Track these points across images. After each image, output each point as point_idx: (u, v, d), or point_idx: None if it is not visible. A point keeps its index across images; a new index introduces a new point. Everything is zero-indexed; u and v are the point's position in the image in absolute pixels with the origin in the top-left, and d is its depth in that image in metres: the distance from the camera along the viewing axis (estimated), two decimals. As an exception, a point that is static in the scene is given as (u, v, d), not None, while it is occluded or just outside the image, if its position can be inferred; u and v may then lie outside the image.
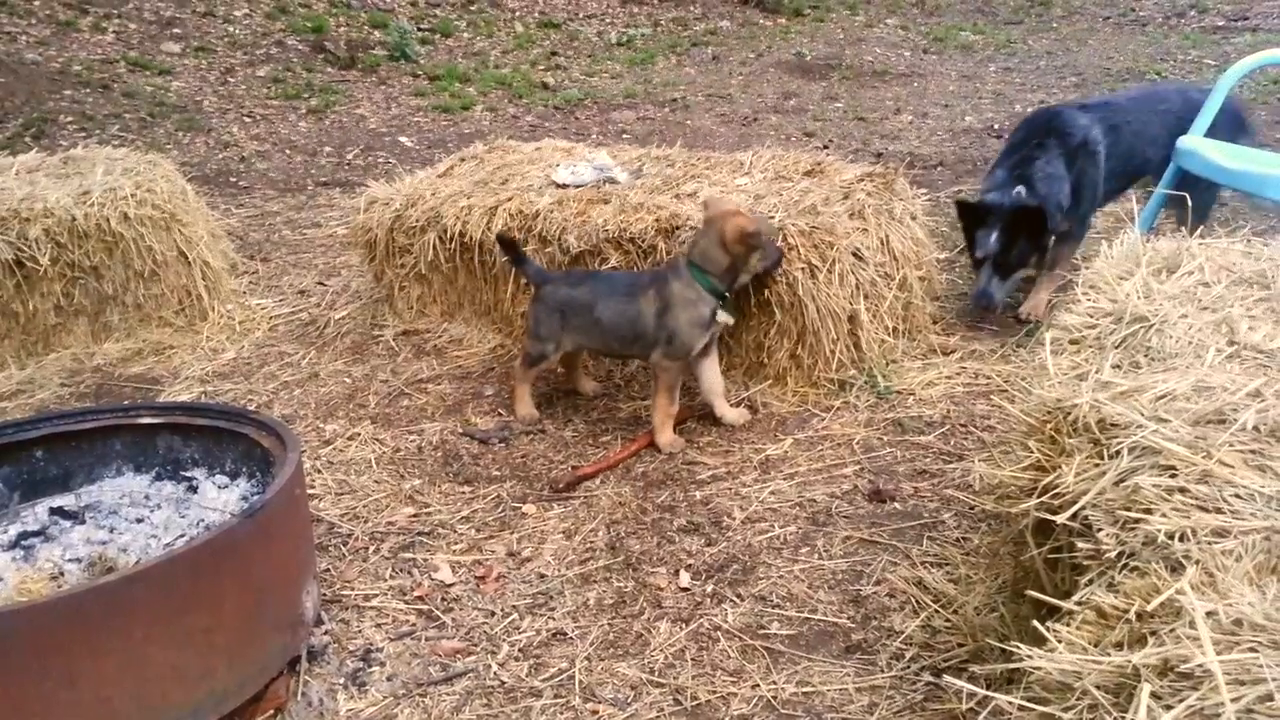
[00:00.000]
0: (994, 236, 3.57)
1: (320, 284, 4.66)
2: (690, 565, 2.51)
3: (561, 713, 2.05)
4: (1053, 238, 3.70)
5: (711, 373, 3.17)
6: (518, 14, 11.41)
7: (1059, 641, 1.30)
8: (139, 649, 1.76)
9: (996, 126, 7.20)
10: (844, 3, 12.88)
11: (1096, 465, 1.56)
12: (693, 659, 2.18)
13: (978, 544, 2.48)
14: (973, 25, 11.72)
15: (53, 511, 2.31)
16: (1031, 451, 1.74)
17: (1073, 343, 1.96)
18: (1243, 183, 3.52)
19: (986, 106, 7.93)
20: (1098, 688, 1.20)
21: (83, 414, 2.43)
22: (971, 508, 2.67)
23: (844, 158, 4.25)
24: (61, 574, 2.09)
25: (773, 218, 3.30)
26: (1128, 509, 1.43)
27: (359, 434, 3.25)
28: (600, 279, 3.23)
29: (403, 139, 7.77)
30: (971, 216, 3.67)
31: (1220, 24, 10.91)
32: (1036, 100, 7.99)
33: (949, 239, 4.71)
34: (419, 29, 10.41)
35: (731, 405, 3.24)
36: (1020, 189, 3.57)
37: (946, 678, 2.01)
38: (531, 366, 3.30)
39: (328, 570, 2.55)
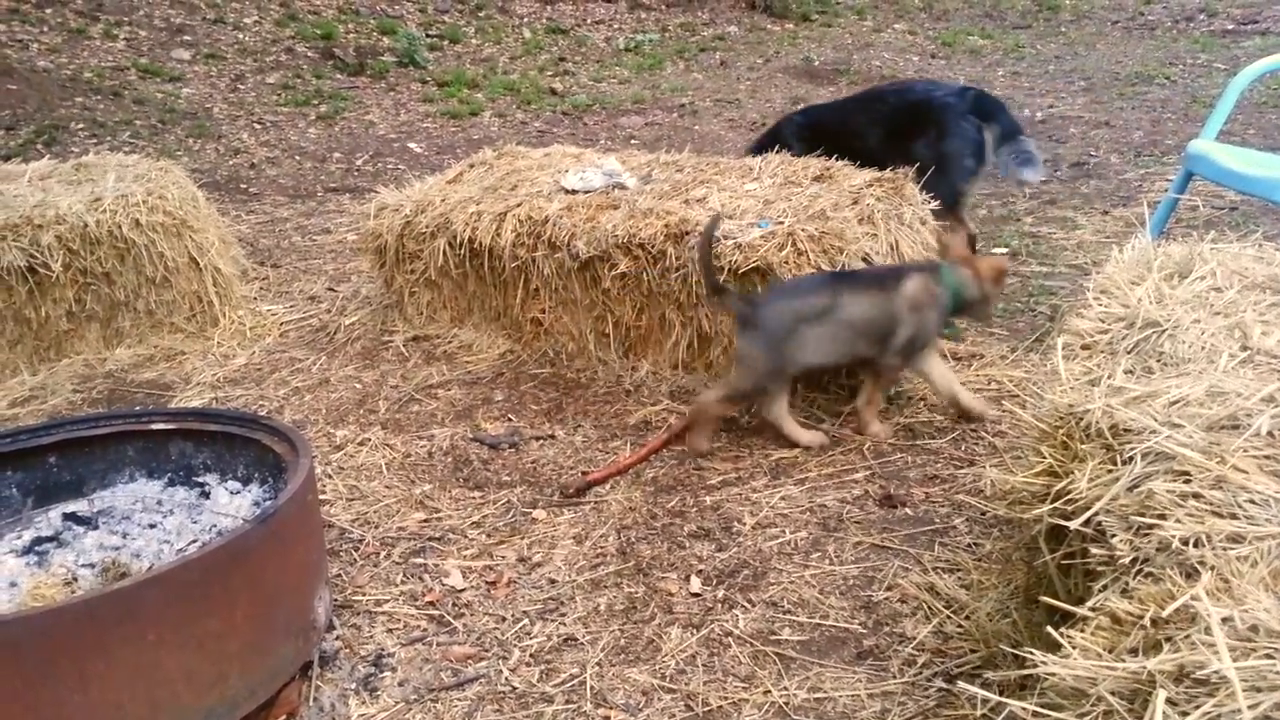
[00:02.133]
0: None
1: (330, 290, 4.68)
2: (701, 570, 2.51)
3: (573, 718, 2.05)
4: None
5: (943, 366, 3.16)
6: (526, 20, 11.44)
7: (1073, 647, 1.29)
8: (151, 654, 1.77)
9: (1005, 131, 7.18)
10: (852, 8, 12.89)
11: (1109, 471, 1.55)
12: (704, 665, 2.18)
13: (990, 549, 2.48)
14: (980, 30, 11.72)
15: (66, 517, 2.33)
16: (1044, 457, 1.74)
17: (1085, 348, 1.95)
18: (1255, 187, 3.51)
19: (995, 111, 7.91)
20: (1112, 694, 1.19)
21: (95, 420, 2.45)
22: (983, 513, 2.66)
23: (853, 162, 4.24)
24: (75, 579, 2.10)
25: (781, 222, 3.30)
26: (1141, 515, 1.43)
27: (369, 439, 3.26)
28: (840, 278, 3.02)
29: (412, 145, 7.79)
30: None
31: (1230, 28, 10.88)
32: (1045, 104, 7.98)
33: (958, 244, 4.70)
34: (427, 35, 10.45)
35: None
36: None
37: (960, 684, 2.01)
38: (743, 403, 3.10)
39: (339, 575, 2.56)
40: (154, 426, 2.44)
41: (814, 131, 4.50)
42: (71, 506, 2.36)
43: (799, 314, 2.91)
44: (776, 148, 4.35)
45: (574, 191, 3.85)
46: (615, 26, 11.75)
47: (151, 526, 2.30)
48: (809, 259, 3.16)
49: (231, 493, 2.37)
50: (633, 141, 7.66)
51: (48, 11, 8.93)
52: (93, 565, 2.15)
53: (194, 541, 2.24)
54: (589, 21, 11.73)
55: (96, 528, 2.30)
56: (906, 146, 4.15)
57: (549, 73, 10.10)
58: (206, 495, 2.39)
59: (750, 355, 2.95)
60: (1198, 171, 3.83)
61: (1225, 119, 4.00)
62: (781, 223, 3.30)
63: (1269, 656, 1.12)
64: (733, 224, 3.36)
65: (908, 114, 4.25)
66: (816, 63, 10.26)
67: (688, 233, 3.35)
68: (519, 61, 10.35)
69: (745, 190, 3.71)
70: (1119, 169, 6.00)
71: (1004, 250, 4.66)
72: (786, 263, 3.15)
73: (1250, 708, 1.06)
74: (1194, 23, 11.36)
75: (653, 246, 3.39)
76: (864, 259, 3.25)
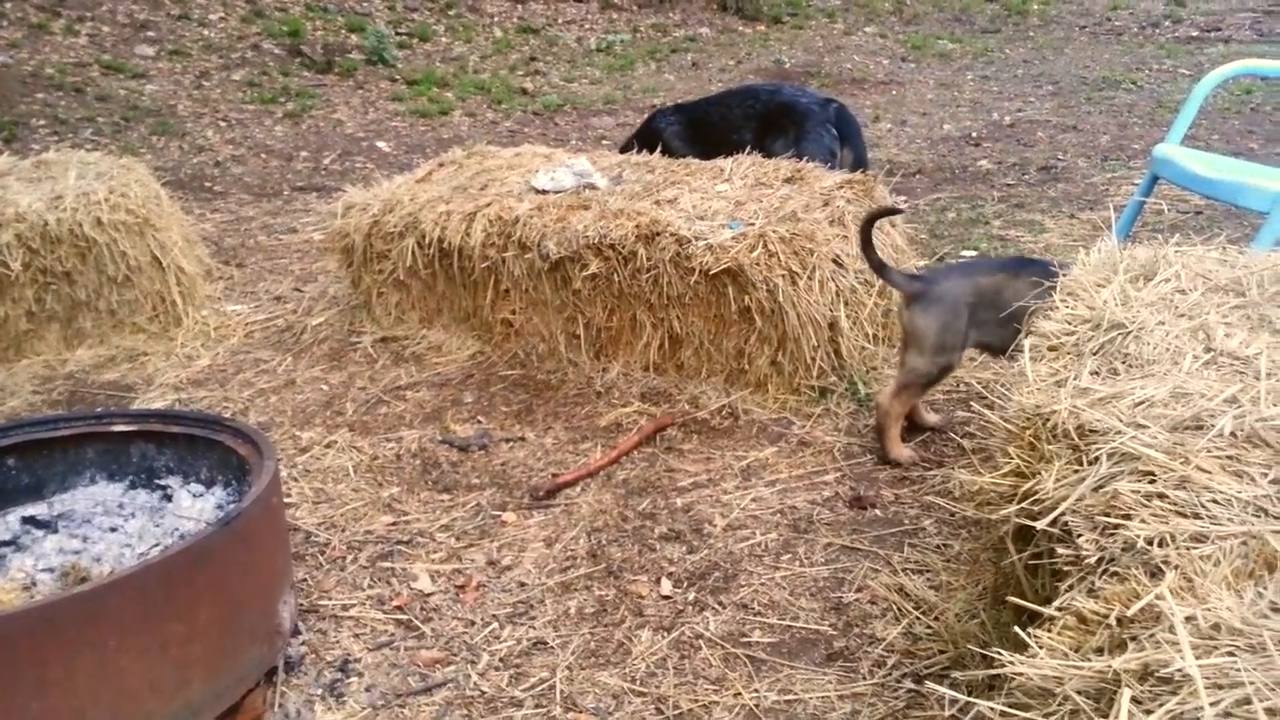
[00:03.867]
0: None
1: (297, 290, 4.63)
2: (671, 573, 2.51)
3: (542, 722, 2.04)
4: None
5: None
6: (496, 19, 11.39)
7: (1040, 647, 1.30)
8: (113, 660, 1.73)
9: (974, 135, 7.26)
10: (823, 10, 12.95)
11: (1076, 471, 1.56)
12: (674, 667, 2.18)
13: (958, 550, 2.49)
14: (950, 34, 11.83)
15: (25, 521, 2.28)
16: (1011, 458, 1.75)
17: (1051, 349, 1.97)
18: (1218, 191, 3.56)
19: (964, 115, 7.99)
20: (1079, 693, 1.20)
21: (55, 421, 2.40)
22: (952, 514, 2.68)
23: (824, 164, 4.26)
24: (34, 584, 2.06)
25: (752, 224, 3.31)
26: (1107, 515, 1.44)
27: (336, 441, 3.23)
28: (1008, 262, 2.93)
29: (380, 144, 7.73)
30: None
31: (1194, 35, 11.07)
32: (1013, 108, 8.06)
33: (929, 246, 4.75)
34: (396, 33, 10.37)
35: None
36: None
37: (928, 684, 2.02)
38: (926, 389, 2.95)
39: (305, 580, 2.53)
40: (115, 428, 2.39)
41: (693, 127, 4.81)
42: (30, 510, 2.31)
43: (978, 290, 2.81)
44: (639, 146, 4.67)
45: (544, 192, 3.84)
46: (586, 27, 11.73)
47: (113, 530, 2.26)
48: (780, 260, 3.16)
49: (194, 495, 2.33)
50: (604, 142, 7.65)
51: (8, 6, 8.77)
52: (52, 569, 2.11)
53: (156, 545, 2.20)
54: (560, 21, 11.70)
55: (56, 531, 2.26)
56: (766, 143, 4.43)
57: (520, 72, 10.06)
58: (169, 498, 2.35)
59: (923, 330, 2.84)
60: (1163, 175, 3.88)
61: (1189, 124, 4.06)
62: (752, 224, 3.31)
63: (1231, 654, 1.13)
64: (703, 225, 3.36)
65: (775, 113, 4.53)
66: (788, 65, 10.30)
67: (658, 234, 3.34)
68: (489, 60, 10.30)
69: (716, 191, 3.71)
70: (1086, 173, 6.08)
71: (972, 253, 4.70)
72: (758, 264, 3.16)
73: (1212, 704, 1.07)
74: (1159, 29, 11.54)
75: (624, 247, 3.38)
76: (835, 260, 3.26)
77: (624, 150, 4.70)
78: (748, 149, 4.24)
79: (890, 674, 2.11)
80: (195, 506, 2.29)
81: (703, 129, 4.77)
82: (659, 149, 4.59)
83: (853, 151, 4.53)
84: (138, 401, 3.58)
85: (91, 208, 3.87)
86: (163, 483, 2.38)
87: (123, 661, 1.75)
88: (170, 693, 1.82)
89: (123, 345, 4.02)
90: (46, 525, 2.27)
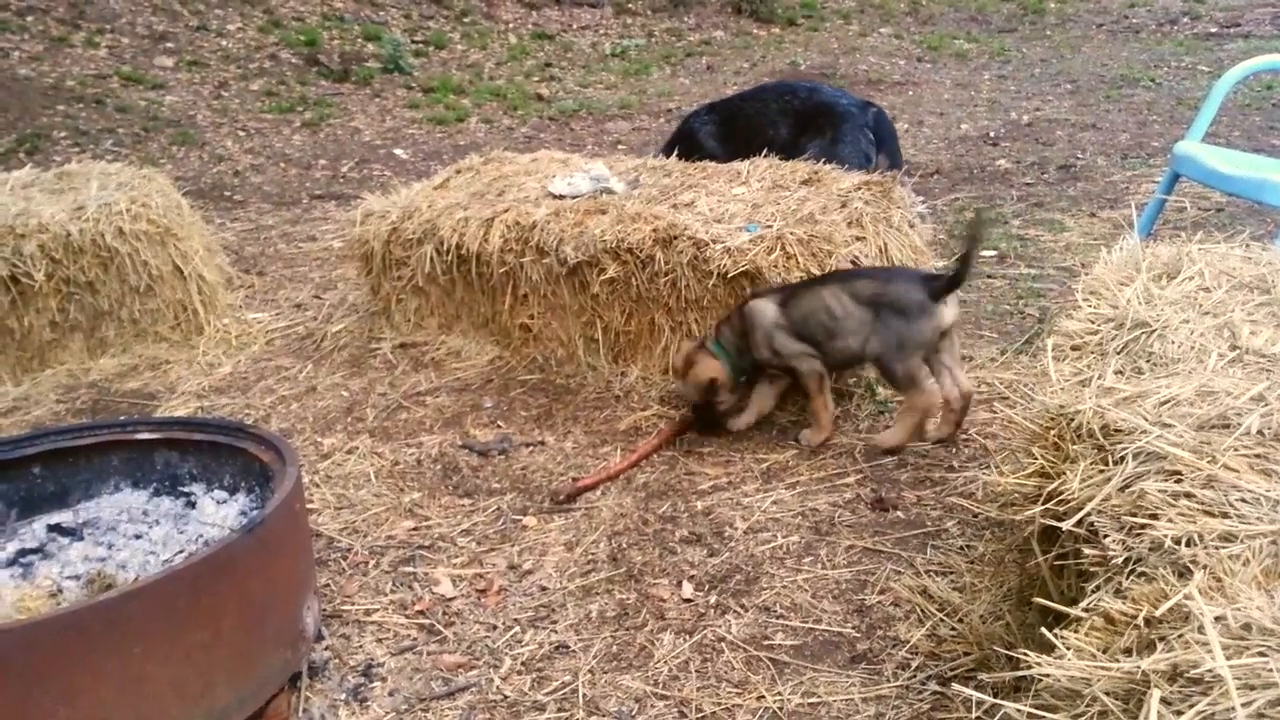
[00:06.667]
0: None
1: (316, 297, 4.65)
2: (693, 576, 2.50)
3: (565, 726, 2.04)
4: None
5: None
6: (511, 25, 11.43)
7: (1067, 648, 1.29)
8: (138, 666, 1.75)
9: (992, 134, 7.23)
10: (838, 12, 12.92)
11: (1101, 471, 1.55)
12: (697, 671, 2.17)
13: (982, 551, 2.47)
14: (966, 34, 11.77)
15: (51, 528, 2.30)
16: (1035, 458, 1.74)
17: (1074, 349, 1.95)
18: (1240, 188, 3.53)
19: (981, 114, 7.95)
20: (1107, 694, 1.19)
21: (80, 430, 2.42)
22: (975, 515, 2.66)
23: (841, 166, 4.25)
24: (60, 591, 2.08)
25: (770, 226, 3.30)
26: (1134, 515, 1.43)
27: (357, 447, 3.24)
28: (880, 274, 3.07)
29: (397, 151, 7.77)
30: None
31: (1213, 31, 10.97)
32: (1031, 107, 8.02)
33: (947, 247, 4.72)
34: (412, 41, 10.42)
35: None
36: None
37: (954, 686, 2.00)
38: None
39: (328, 585, 2.54)
40: (139, 436, 2.41)
41: (727, 124, 4.73)
42: (56, 518, 2.33)
43: None
44: (675, 148, 4.68)
45: (561, 197, 3.84)
46: (601, 32, 11.74)
47: (137, 537, 2.28)
48: (798, 262, 3.16)
49: (218, 502, 2.35)
50: (620, 147, 7.66)
51: (29, 19, 8.87)
52: (78, 577, 2.13)
53: (180, 552, 2.21)
54: (575, 27, 11.72)
55: (82, 539, 2.28)
56: (802, 142, 4.36)
57: (535, 78, 10.08)
58: (193, 505, 2.36)
59: None
60: (1184, 173, 3.85)
61: (1210, 121, 4.03)
62: (770, 227, 3.30)
63: (1262, 654, 1.12)
64: (721, 228, 3.35)
65: (813, 112, 4.45)
66: (803, 67, 10.28)
67: (676, 237, 3.34)
68: (505, 67, 10.33)
69: (733, 194, 3.70)
70: (1106, 171, 6.03)
71: (992, 253, 4.68)
72: (776, 266, 3.16)
73: (1244, 705, 1.06)
74: (1177, 25, 11.44)
75: (641, 251, 3.38)
76: (852, 262, 3.25)
77: (666, 154, 4.66)
78: (785, 147, 4.21)
79: (915, 676, 2.10)
80: (219, 513, 2.31)
81: (737, 124, 4.70)
82: (694, 147, 4.56)
83: (889, 158, 4.45)
84: (160, 409, 3.61)
85: (113, 218, 3.91)
86: (186, 490, 2.40)
87: (148, 667, 1.76)
88: (195, 698, 1.83)
89: (145, 354, 4.05)
90: (72, 533, 2.29)
